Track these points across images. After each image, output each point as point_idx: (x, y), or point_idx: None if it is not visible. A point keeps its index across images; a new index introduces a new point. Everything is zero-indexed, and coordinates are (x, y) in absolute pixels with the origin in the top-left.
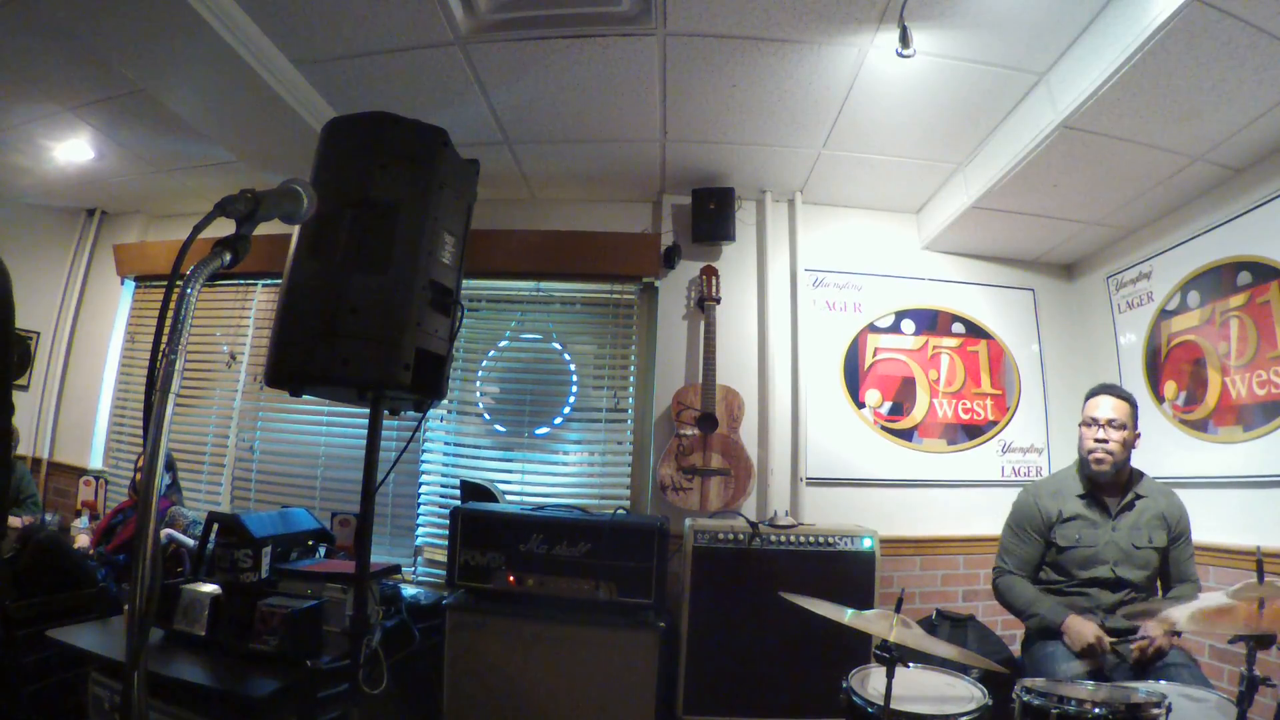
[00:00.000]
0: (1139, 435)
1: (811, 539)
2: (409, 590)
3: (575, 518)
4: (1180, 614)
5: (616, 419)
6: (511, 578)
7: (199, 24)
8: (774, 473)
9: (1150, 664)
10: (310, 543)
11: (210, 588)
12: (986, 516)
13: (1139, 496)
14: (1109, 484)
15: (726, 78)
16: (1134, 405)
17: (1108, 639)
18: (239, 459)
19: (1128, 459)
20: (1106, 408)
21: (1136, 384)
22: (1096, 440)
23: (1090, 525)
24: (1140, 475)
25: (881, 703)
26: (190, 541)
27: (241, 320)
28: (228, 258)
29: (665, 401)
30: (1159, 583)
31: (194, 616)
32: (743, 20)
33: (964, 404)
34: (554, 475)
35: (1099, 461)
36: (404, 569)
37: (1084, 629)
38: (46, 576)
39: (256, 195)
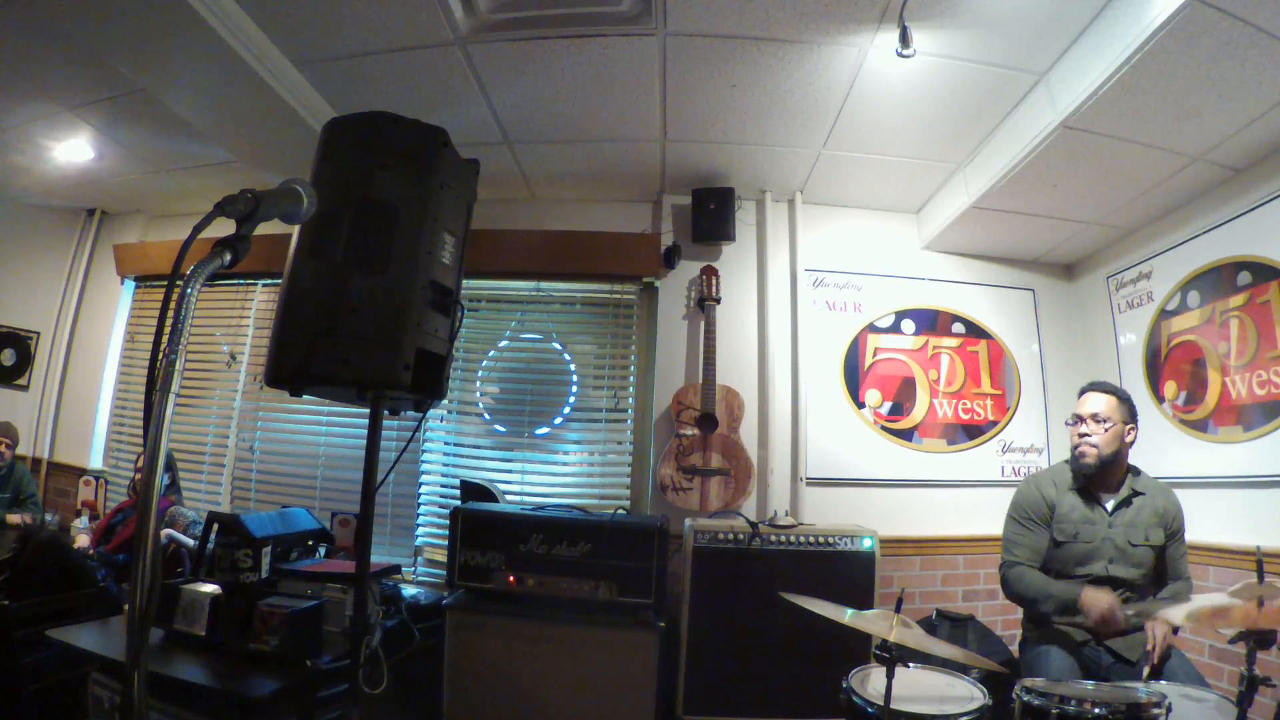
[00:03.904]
0: (1131, 429)
1: (811, 539)
2: (409, 590)
3: (575, 518)
4: (1179, 613)
5: (616, 419)
6: (511, 578)
7: (199, 24)
8: (774, 473)
9: (1160, 663)
10: (310, 543)
11: (210, 588)
12: (986, 516)
13: (1137, 493)
14: (1099, 478)
15: (726, 78)
16: (1124, 401)
17: (1120, 607)
18: (239, 459)
19: (1117, 454)
20: (1089, 403)
21: (1136, 384)
22: (1080, 435)
23: (1087, 520)
24: (1137, 472)
25: (881, 703)
26: (190, 541)
27: (241, 320)
28: (228, 258)
29: (665, 401)
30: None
31: (194, 616)
32: (743, 20)
33: (964, 404)
34: (554, 475)
35: (1082, 455)
36: (404, 569)
37: (1099, 597)
38: (46, 576)
39: (256, 195)
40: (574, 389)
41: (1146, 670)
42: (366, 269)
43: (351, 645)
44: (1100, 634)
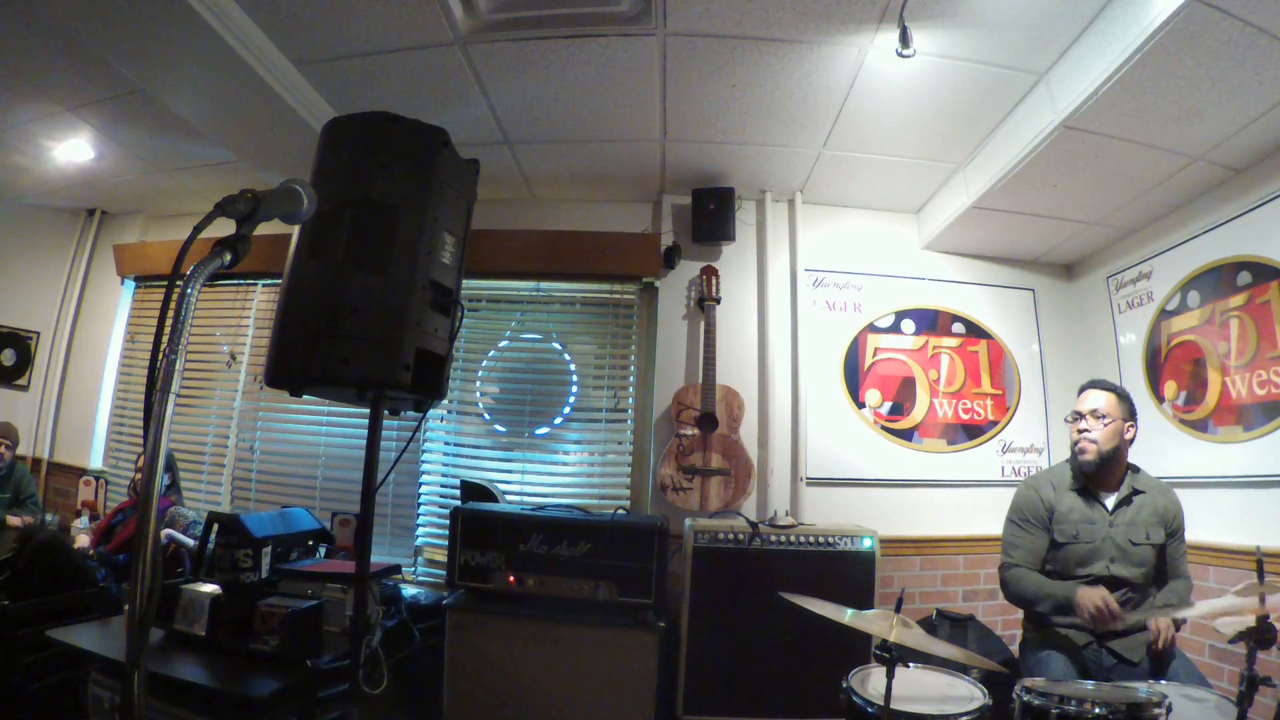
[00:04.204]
0: (1130, 426)
1: (811, 539)
2: (409, 590)
3: (575, 518)
4: (1189, 615)
5: (616, 419)
6: (511, 578)
7: (199, 24)
8: (774, 473)
9: (1164, 660)
10: (310, 543)
11: (210, 588)
12: (987, 516)
13: (1137, 492)
14: (1099, 476)
15: (726, 78)
16: (1124, 398)
17: (1115, 603)
18: (239, 459)
19: (1116, 450)
20: (1088, 399)
21: (1136, 384)
22: (1080, 431)
23: (1087, 520)
24: (1136, 470)
25: (881, 703)
26: (190, 541)
27: (241, 320)
28: (228, 258)
29: (665, 401)
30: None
31: (194, 616)
32: (743, 20)
33: (964, 404)
34: (554, 475)
35: (1082, 451)
36: (404, 569)
37: (1092, 594)
38: (46, 576)
39: (256, 195)
40: (574, 389)
41: (1160, 668)
42: (366, 269)
43: (351, 645)
44: (1097, 631)
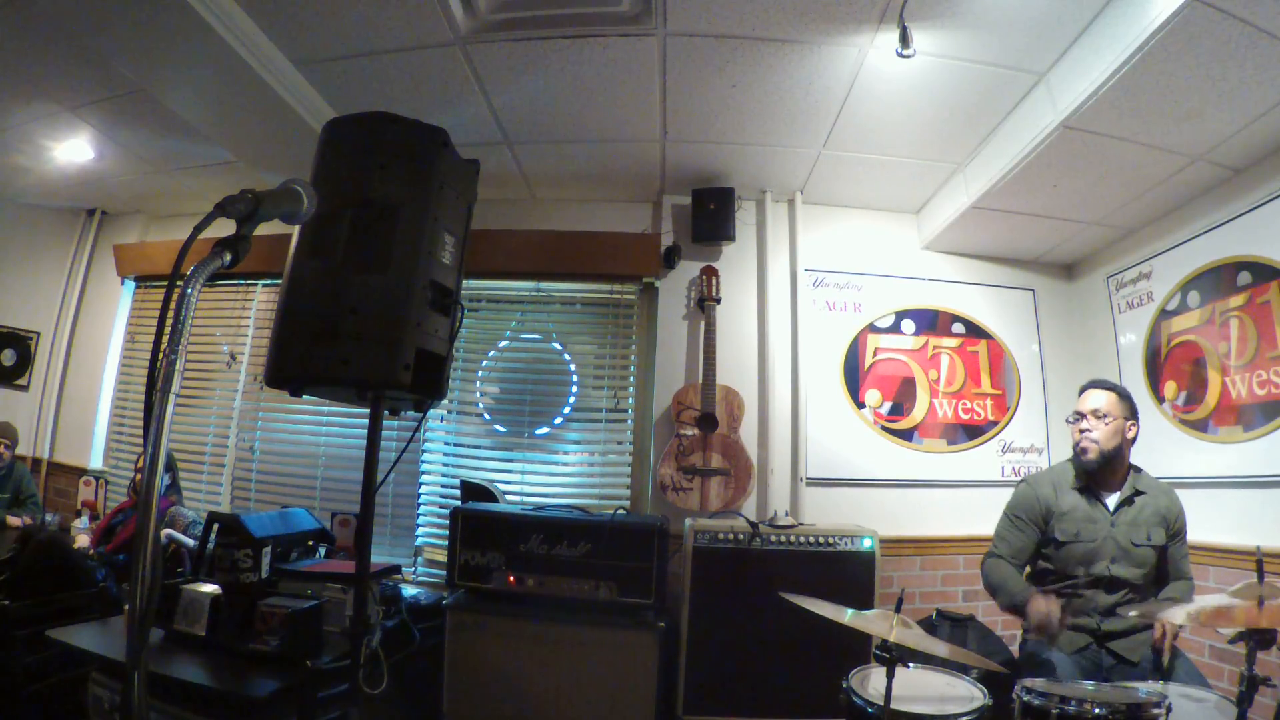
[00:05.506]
0: (1132, 425)
1: (811, 539)
2: (409, 590)
3: (575, 518)
4: (1180, 614)
5: (616, 419)
6: (511, 578)
7: (199, 24)
8: (774, 473)
9: (1166, 659)
10: (310, 543)
11: (210, 588)
12: (987, 516)
13: (1139, 493)
14: (1101, 475)
15: (726, 78)
16: (1125, 398)
17: (1060, 617)
18: (239, 459)
19: (1118, 450)
20: (1090, 399)
21: (1137, 384)
22: (1081, 431)
23: (1089, 520)
24: (1138, 470)
25: (881, 703)
26: (190, 541)
27: (241, 320)
28: (228, 258)
29: (665, 401)
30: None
31: (194, 616)
32: (743, 20)
33: (964, 404)
34: (554, 475)
35: (1084, 451)
36: (404, 569)
37: (1040, 606)
38: (46, 576)
39: (256, 195)
40: (574, 389)
41: (1161, 667)
42: (366, 269)
43: (351, 645)
44: (1044, 637)
